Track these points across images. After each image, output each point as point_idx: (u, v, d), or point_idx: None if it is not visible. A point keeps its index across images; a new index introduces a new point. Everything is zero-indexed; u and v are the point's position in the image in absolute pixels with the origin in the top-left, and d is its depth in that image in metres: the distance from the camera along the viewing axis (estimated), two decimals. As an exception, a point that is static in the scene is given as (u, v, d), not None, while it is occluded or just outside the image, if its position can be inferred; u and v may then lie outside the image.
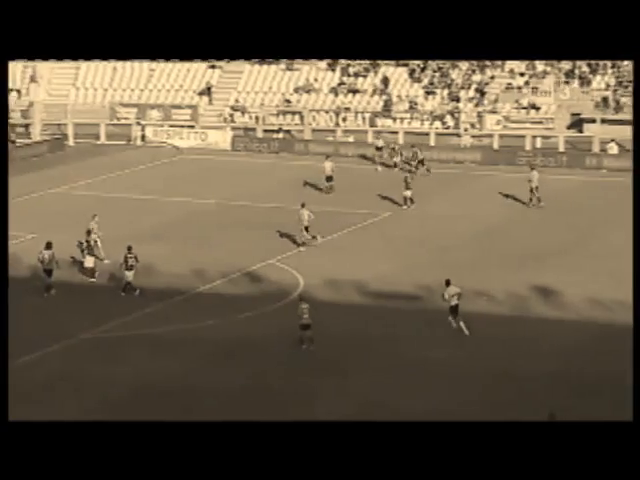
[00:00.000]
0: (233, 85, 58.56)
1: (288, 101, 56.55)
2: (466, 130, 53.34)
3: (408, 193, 41.85)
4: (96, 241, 34.08)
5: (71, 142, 55.24)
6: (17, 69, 58.23)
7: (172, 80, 58.97)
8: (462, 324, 28.24)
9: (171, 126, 55.78)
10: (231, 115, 56.54)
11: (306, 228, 36.76)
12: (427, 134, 53.51)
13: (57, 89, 58.88)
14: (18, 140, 54.17)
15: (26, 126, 56.42)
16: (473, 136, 53.31)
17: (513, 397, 24.60)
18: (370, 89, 56.78)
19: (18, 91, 57.74)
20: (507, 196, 43.76)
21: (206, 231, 39.31)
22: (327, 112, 55.55)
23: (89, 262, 33.20)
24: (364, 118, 54.98)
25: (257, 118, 56.16)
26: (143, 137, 55.55)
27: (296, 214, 37.04)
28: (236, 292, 32.09)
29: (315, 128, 55.28)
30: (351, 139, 54.07)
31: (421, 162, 47.93)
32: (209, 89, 58.19)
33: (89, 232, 34.03)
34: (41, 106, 56.59)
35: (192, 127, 55.89)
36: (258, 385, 25.49)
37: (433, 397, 24.78)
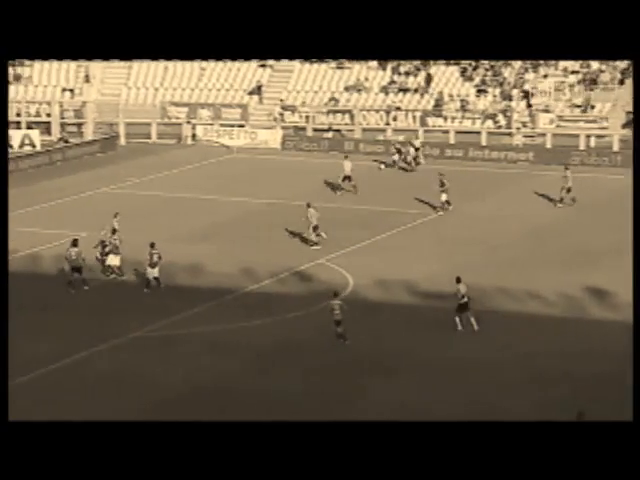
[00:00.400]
0: (283, 84, 58.73)
1: (334, 99, 56.56)
2: (518, 129, 52.96)
3: (444, 197, 41.06)
4: (120, 240, 34.23)
5: (123, 141, 55.78)
6: (71, 68, 58.96)
7: (222, 79, 59.30)
8: (473, 320, 28.46)
9: (221, 125, 56.10)
10: (281, 114, 56.71)
11: (315, 227, 36.72)
12: (478, 133, 53.24)
13: (109, 88, 59.48)
14: (71, 139, 54.84)
15: (79, 125, 57.10)
16: (525, 135, 52.92)
17: (564, 398, 24.39)
18: (421, 88, 56.63)
19: (71, 90, 58.43)
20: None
21: (256, 231, 39.47)
22: (377, 111, 55.50)
23: (115, 260, 33.53)
24: (415, 117, 54.84)
25: (307, 117, 56.27)
26: (193, 136, 55.94)
27: (305, 214, 36.80)
28: (285, 292, 32.20)
29: (365, 127, 55.25)
30: (401, 138, 53.96)
31: (415, 160, 47.92)
32: (259, 88, 58.41)
33: (114, 231, 34.33)
34: (93, 105, 57.22)
35: (242, 126, 56.16)
36: (305, 385, 25.55)
37: (480, 399, 24.65)
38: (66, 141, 54.29)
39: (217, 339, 28.50)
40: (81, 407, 23.89)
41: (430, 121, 54.44)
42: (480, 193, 44.37)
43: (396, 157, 49.42)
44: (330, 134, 54.81)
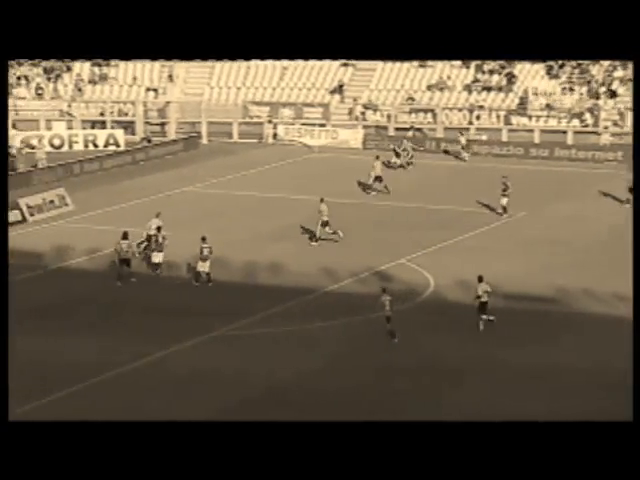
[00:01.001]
0: (365, 83, 58.80)
1: (412, 99, 56.45)
2: (606, 128, 52.17)
3: (504, 201, 40.30)
4: (165, 237, 34.61)
5: (205, 140, 56.46)
6: (155, 68, 59.90)
7: (304, 78, 59.59)
8: (484, 317, 28.43)
9: (302, 124, 56.41)
10: (363, 113, 56.78)
11: (325, 223, 36.70)
12: (564, 132, 52.60)
13: (192, 88, 60.26)
14: (154, 139, 55.67)
15: (162, 125, 57.94)
16: (613, 134, 52.11)
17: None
18: (505, 86, 56.17)
19: (155, 90, 59.35)
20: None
21: (337, 229, 39.61)
22: (460, 110, 55.23)
23: (158, 257, 33.96)
24: (498, 116, 54.42)
25: (389, 116, 56.25)
26: (275, 135, 56.34)
27: (316, 209, 37.06)
28: (365, 292, 32.26)
29: (448, 126, 55.03)
30: (484, 137, 53.61)
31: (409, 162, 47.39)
32: (341, 87, 58.57)
33: (159, 228, 34.75)
34: (176, 105, 58.03)
35: (323, 125, 56.38)
36: (381, 385, 25.58)
37: (558, 403, 24.40)
38: (149, 140, 55.13)
39: (296, 339, 28.69)
40: (162, 407, 24.26)
41: (514, 120, 53.96)
42: (565, 193, 43.84)
43: (394, 160, 49.20)
44: (410, 133, 54.72)
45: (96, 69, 59.59)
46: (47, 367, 26.34)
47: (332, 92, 58.59)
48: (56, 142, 53.38)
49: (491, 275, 33.42)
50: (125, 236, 33.42)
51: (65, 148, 53.21)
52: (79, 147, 53.45)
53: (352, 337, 28.76)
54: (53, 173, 47.74)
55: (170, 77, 59.40)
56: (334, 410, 23.92)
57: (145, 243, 35.08)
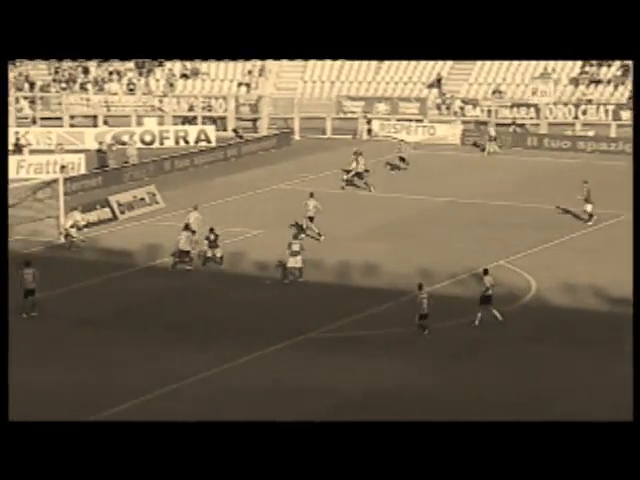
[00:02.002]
0: (464, 76, 58.42)
1: (499, 92, 55.90)
2: None
3: (589, 207, 39.38)
4: (209, 237, 34.85)
5: (297, 137, 56.76)
6: (247, 63, 60.38)
7: (400, 72, 59.46)
8: (495, 312, 29.04)
9: (398, 120, 56.32)
10: (461, 108, 56.44)
11: (310, 219, 36.88)
12: (676, 128, 51.50)
13: (285, 82, 60.64)
14: (245, 135, 56.18)
15: (254, 120, 58.44)
16: None
17: None
18: (614, 79, 55.25)
19: (247, 85, 59.90)
20: None
21: (434, 230, 39.47)
22: (566, 104, 54.49)
23: (220, 252, 34.49)
24: (607, 111, 53.55)
25: (489, 111, 55.80)
26: (369, 131, 56.36)
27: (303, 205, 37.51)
28: (463, 294, 32.08)
29: (552, 122, 54.34)
30: (591, 133, 52.81)
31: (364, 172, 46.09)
32: (439, 81, 58.30)
33: (212, 229, 35.00)
34: (269, 100, 58.46)
35: (420, 121, 56.19)
36: (482, 389, 25.43)
37: None
38: (241, 137, 55.64)
39: (392, 341, 28.67)
40: (253, 408, 24.49)
41: (624, 115, 52.99)
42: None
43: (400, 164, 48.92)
44: (511, 129, 54.20)
45: (187, 64, 60.40)
46: (143, 370, 26.79)
47: (429, 86, 58.36)
48: (147, 138, 54.25)
49: (597, 279, 32.91)
50: (187, 228, 34.37)
51: (156, 144, 54.04)
52: (170, 143, 54.24)
53: (450, 340, 28.62)
54: (144, 170, 48.49)
55: (262, 72, 59.87)
56: (431, 412, 23.84)
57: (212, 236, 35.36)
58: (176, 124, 56.70)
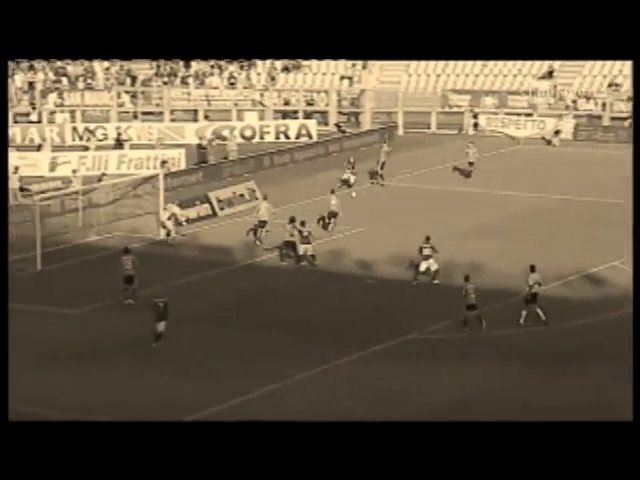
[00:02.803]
0: (578, 68, 57.57)
1: (616, 84, 54.79)
2: None
3: None
4: (302, 231, 34.76)
5: (401, 131, 56.64)
6: (349, 55, 60.48)
7: (510, 64, 58.87)
8: (539, 311, 29.11)
9: (507, 114, 55.79)
10: (574, 101, 55.62)
11: (330, 216, 37.62)
12: None
13: (389, 76, 60.58)
14: (347, 129, 56.26)
15: (356, 115, 58.50)
16: None
17: None
18: None
19: (350, 78, 60.01)
20: None
21: (543, 228, 39.00)
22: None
23: (310, 250, 34.56)
24: None
25: (604, 104, 54.86)
26: (476, 126, 55.95)
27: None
28: (573, 296, 31.62)
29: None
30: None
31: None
32: (550, 73, 57.56)
33: (303, 223, 34.92)
34: (372, 94, 58.47)
35: (530, 115, 55.57)
36: (583, 396, 25.07)
37: None
38: (343, 131, 55.75)
39: (493, 344, 28.44)
40: (349, 406, 24.54)
41: None
42: None
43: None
44: (627, 123, 53.21)
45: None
46: (243, 362, 27.08)
47: (540, 78, 57.66)
48: (247, 133, 54.77)
49: None
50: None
51: (256, 139, 54.51)
52: (270, 138, 54.65)
53: (552, 345, 28.24)
54: (244, 165, 48.95)
55: (365, 65, 59.92)
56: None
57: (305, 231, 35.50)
58: (276, 118, 57.12)
